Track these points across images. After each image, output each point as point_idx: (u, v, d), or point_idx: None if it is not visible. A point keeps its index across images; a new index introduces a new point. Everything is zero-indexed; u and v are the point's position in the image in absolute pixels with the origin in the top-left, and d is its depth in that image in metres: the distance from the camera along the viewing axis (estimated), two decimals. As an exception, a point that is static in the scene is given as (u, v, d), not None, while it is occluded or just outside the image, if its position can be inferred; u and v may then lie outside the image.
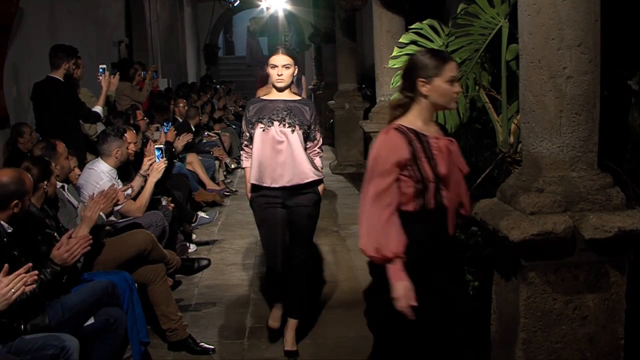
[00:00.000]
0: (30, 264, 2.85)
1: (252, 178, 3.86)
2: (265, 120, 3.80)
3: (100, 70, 6.09)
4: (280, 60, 3.80)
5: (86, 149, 5.75)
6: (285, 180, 3.79)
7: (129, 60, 9.85)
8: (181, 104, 8.63)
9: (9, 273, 2.77)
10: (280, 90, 3.88)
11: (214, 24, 19.08)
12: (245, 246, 6.19)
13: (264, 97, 3.97)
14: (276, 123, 3.78)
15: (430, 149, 2.62)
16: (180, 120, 8.36)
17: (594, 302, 2.68)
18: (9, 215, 3.11)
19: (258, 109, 3.86)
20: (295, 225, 3.90)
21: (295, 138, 3.79)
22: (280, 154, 3.77)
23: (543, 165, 2.71)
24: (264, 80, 3.81)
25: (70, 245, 3.22)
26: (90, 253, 3.48)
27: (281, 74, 3.80)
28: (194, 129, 8.36)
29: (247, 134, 3.93)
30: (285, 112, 3.81)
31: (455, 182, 2.68)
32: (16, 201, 3.10)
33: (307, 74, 10.68)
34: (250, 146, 3.90)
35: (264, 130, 3.79)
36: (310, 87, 9.41)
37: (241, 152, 4.08)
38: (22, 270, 2.78)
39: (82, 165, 4.86)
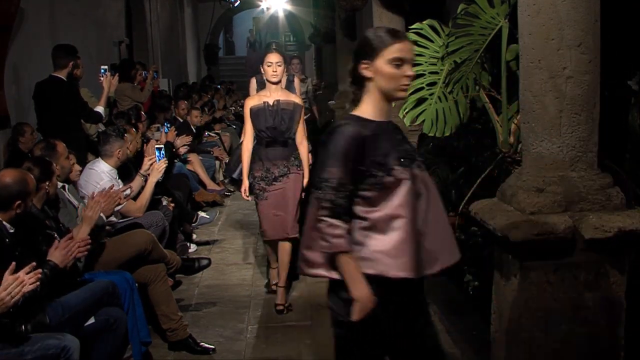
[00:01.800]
0: (34, 263, 2.86)
1: (395, 267, 2.15)
2: (406, 160, 2.21)
3: (102, 71, 6.10)
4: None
5: (87, 149, 5.75)
6: (441, 261, 2.27)
7: (130, 60, 9.86)
8: (182, 106, 8.63)
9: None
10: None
11: (214, 24, 19.08)
12: (245, 246, 6.18)
13: (365, 117, 2.24)
14: (414, 164, 2.25)
15: None
16: (181, 121, 8.36)
17: (594, 302, 2.68)
18: (12, 216, 3.12)
19: (379, 138, 2.22)
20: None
21: (435, 188, 2.31)
22: (427, 217, 2.23)
23: (543, 165, 2.71)
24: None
25: (67, 246, 3.23)
26: (91, 253, 3.49)
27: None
28: (194, 130, 8.36)
29: (351, 189, 2.16)
30: (406, 143, 2.32)
31: None
32: (19, 202, 3.11)
33: (307, 74, 10.59)
34: (373, 215, 2.18)
35: (410, 180, 2.20)
36: (310, 87, 9.25)
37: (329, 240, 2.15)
38: (26, 269, 2.78)
39: (82, 165, 4.85)
